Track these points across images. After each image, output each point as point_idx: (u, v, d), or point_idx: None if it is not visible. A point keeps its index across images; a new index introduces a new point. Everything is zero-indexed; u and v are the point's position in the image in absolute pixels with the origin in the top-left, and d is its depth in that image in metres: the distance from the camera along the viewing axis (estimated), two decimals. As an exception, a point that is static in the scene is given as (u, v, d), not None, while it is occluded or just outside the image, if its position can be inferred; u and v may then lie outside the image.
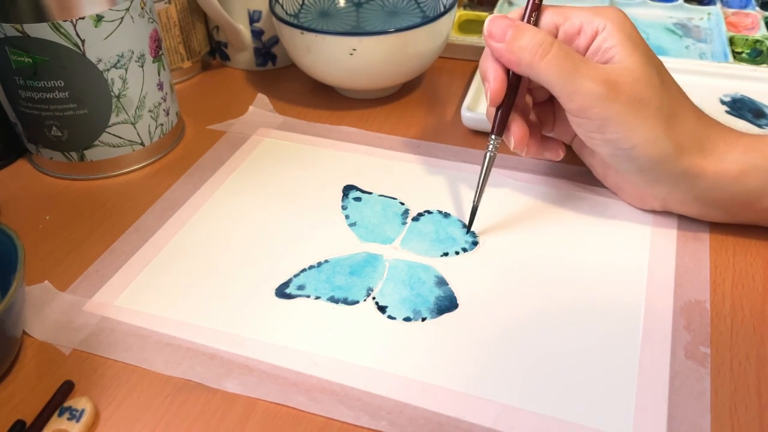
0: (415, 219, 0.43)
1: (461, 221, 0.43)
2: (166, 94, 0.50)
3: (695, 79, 0.54)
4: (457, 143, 0.50)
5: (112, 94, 0.46)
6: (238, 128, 0.53)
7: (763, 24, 0.62)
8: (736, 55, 0.58)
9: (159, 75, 0.49)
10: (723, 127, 0.39)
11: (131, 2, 0.45)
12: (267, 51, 0.61)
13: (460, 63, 0.61)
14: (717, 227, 0.41)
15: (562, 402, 0.32)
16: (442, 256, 0.40)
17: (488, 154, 0.41)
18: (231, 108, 0.56)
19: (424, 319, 0.36)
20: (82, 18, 0.43)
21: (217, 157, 0.50)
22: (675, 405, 0.31)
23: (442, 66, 0.61)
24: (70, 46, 0.43)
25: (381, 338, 0.35)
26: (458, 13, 0.66)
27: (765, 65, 0.56)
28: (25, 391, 0.34)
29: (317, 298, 0.38)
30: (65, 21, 0.42)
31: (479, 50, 0.60)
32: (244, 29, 0.60)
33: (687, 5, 0.67)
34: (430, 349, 0.35)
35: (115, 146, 0.48)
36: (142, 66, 0.47)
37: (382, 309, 0.37)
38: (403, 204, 0.45)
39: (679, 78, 0.39)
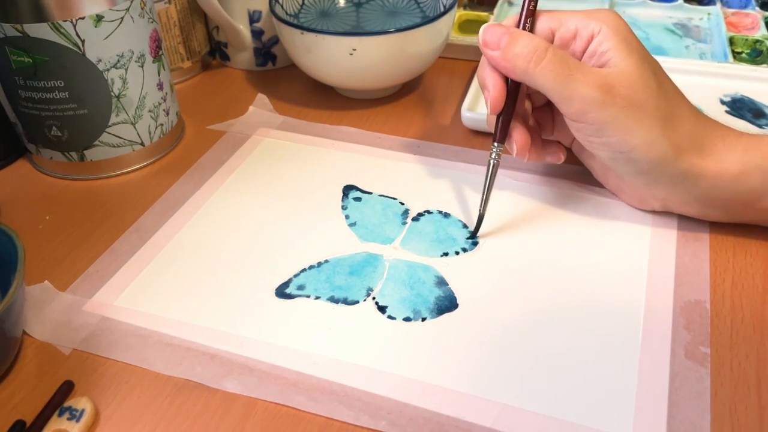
0: (415, 219, 0.43)
1: (461, 221, 0.43)
2: (166, 94, 0.50)
3: (695, 79, 0.54)
4: (457, 143, 0.50)
5: (112, 94, 0.46)
6: (238, 128, 0.53)
7: (763, 24, 0.62)
8: (736, 55, 0.58)
9: (159, 75, 0.49)
10: (722, 126, 0.39)
11: (131, 2, 0.45)
12: (267, 51, 0.61)
13: (460, 63, 0.61)
14: (717, 227, 0.41)
15: (562, 402, 0.32)
16: (442, 256, 0.40)
17: (491, 161, 0.41)
18: (231, 108, 0.56)
19: (424, 319, 0.36)
20: (82, 18, 0.43)
21: (217, 157, 0.50)
22: (675, 405, 0.31)
23: (442, 66, 0.61)
24: (70, 46, 0.43)
25: (381, 338, 0.35)
26: (458, 13, 0.66)
27: (765, 65, 0.56)
28: (25, 391, 0.34)
29: (317, 298, 0.38)
30: (65, 21, 0.42)
31: (479, 50, 0.60)
32: (244, 29, 0.60)
33: (687, 5, 0.67)
34: (430, 349, 0.35)
35: (115, 146, 0.48)
36: (142, 66, 0.47)
37: (382, 309, 0.37)
38: (403, 204, 0.45)
39: (679, 78, 0.39)
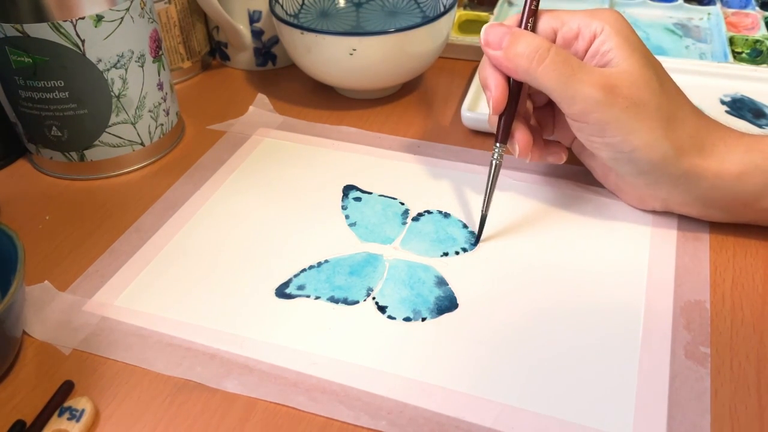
0: (415, 219, 0.43)
1: (461, 221, 0.43)
2: (166, 94, 0.50)
3: (695, 79, 0.54)
4: (457, 143, 0.50)
5: (112, 94, 0.46)
6: (238, 128, 0.53)
7: (763, 24, 0.62)
8: (736, 55, 0.58)
9: (159, 75, 0.49)
10: (723, 127, 0.38)
11: (131, 2, 0.45)
12: (267, 51, 0.61)
13: (460, 63, 0.61)
14: (717, 227, 0.41)
15: (562, 402, 0.32)
16: (442, 256, 0.40)
17: (494, 162, 0.40)
18: (231, 108, 0.56)
19: (424, 319, 0.36)
20: (82, 18, 0.43)
21: (217, 157, 0.50)
22: (675, 405, 0.31)
23: (442, 66, 0.61)
24: (70, 46, 0.43)
25: (381, 338, 0.35)
26: (458, 13, 0.66)
27: (765, 65, 0.56)
28: (25, 391, 0.34)
29: (317, 298, 0.38)
30: (65, 21, 0.42)
31: (479, 50, 0.60)
32: (244, 29, 0.60)
33: (687, 5, 0.67)
34: (430, 349, 0.35)
35: (115, 146, 0.48)
36: (142, 66, 0.47)
37: (382, 309, 0.37)
38: (403, 204, 0.45)
39: (679, 78, 0.39)
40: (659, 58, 0.39)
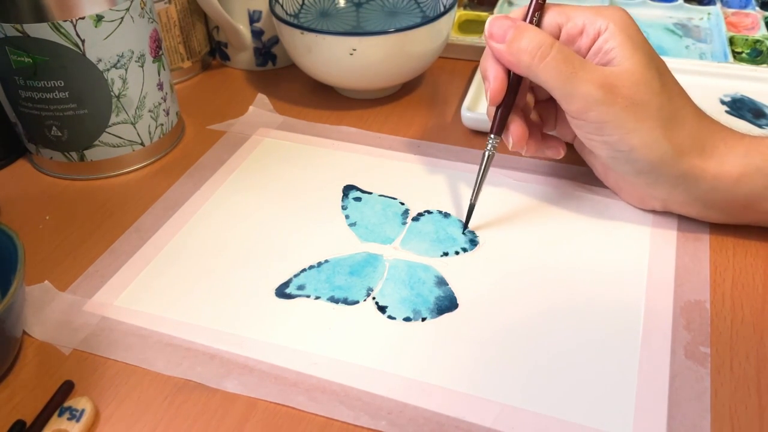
0: (415, 219, 0.43)
1: (461, 221, 0.43)
2: (166, 94, 0.50)
3: (695, 79, 0.54)
4: (457, 143, 0.50)
5: (112, 94, 0.46)
6: (238, 128, 0.53)
7: (763, 24, 0.62)
8: (736, 55, 0.58)
9: (159, 75, 0.49)
10: (724, 128, 0.38)
11: (131, 2, 0.45)
12: (267, 51, 0.61)
13: (460, 63, 0.61)
14: (717, 227, 0.41)
15: (562, 402, 0.32)
16: (442, 256, 0.40)
17: (487, 153, 0.41)
18: (231, 108, 0.56)
19: (424, 319, 0.36)
20: (82, 18, 0.43)
21: (217, 157, 0.50)
22: (675, 405, 0.31)
23: (442, 66, 0.61)
24: (70, 46, 0.43)
25: (381, 338, 0.35)
26: (458, 13, 0.66)
27: (765, 65, 0.56)
28: (25, 391, 0.34)
29: (317, 298, 0.38)
30: (65, 21, 0.42)
31: (479, 50, 0.60)
32: (244, 29, 0.60)
33: (687, 5, 0.67)
34: (430, 349, 0.35)
35: (115, 146, 0.48)
36: (142, 66, 0.47)
37: (382, 309, 0.37)
38: (403, 204, 0.45)
39: (679, 78, 0.39)
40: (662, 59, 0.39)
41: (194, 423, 0.32)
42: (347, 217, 0.44)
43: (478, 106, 0.52)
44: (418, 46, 0.51)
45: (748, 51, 0.59)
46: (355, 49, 0.49)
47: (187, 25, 0.60)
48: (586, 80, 0.36)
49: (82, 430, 0.31)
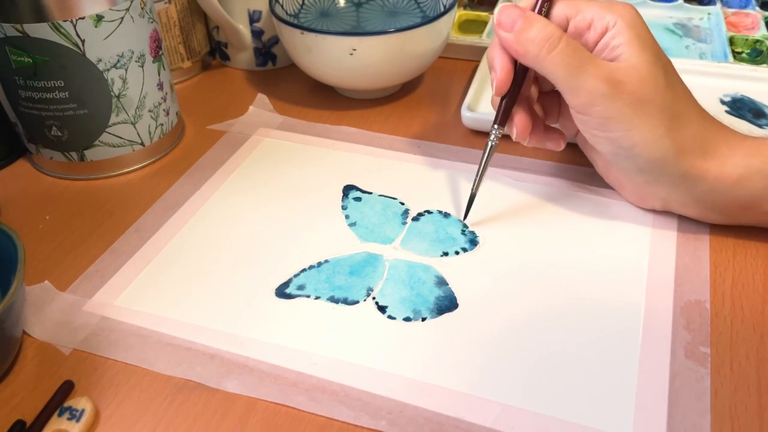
0: (415, 219, 0.43)
1: (461, 221, 0.43)
2: (166, 94, 0.50)
3: (695, 79, 0.53)
4: (457, 143, 0.50)
5: (112, 94, 0.46)
6: (238, 128, 0.53)
7: (763, 24, 0.62)
8: (736, 55, 0.58)
9: (159, 75, 0.49)
10: (726, 129, 0.38)
11: (131, 2, 0.45)
12: (267, 51, 0.61)
13: (460, 63, 0.61)
14: (717, 227, 0.41)
15: (562, 402, 0.32)
16: (442, 256, 0.40)
17: (490, 143, 0.41)
18: (231, 108, 0.56)
19: (424, 319, 0.36)
20: (82, 18, 0.43)
21: (217, 157, 0.50)
22: (675, 405, 0.31)
23: (442, 66, 0.61)
24: (70, 46, 0.43)
25: (381, 338, 0.35)
26: (458, 13, 0.66)
27: (765, 65, 0.56)
28: (25, 391, 0.34)
29: (317, 298, 0.38)
30: (65, 21, 0.42)
31: (479, 50, 0.60)
32: (244, 29, 0.60)
33: (687, 5, 0.67)
34: (430, 349, 0.35)
35: (115, 146, 0.48)
36: (142, 66, 0.47)
37: (382, 309, 0.37)
38: (403, 204, 0.45)
39: (679, 78, 0.39)
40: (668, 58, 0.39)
41: (194, 423, 0.32)
42: (347, 217, 0.44)
43: (478, 106, 0.52)
44: (418, 46, 0.51)
45: (748, 51, 0.59)
46: (355, 49, 0.49)
47: (187, 25, 0.60)
48: (592, 74, 0.36)
49: (82, 430, 0.31)
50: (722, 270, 0.38)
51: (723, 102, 0.53)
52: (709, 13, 0.66)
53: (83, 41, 0.43)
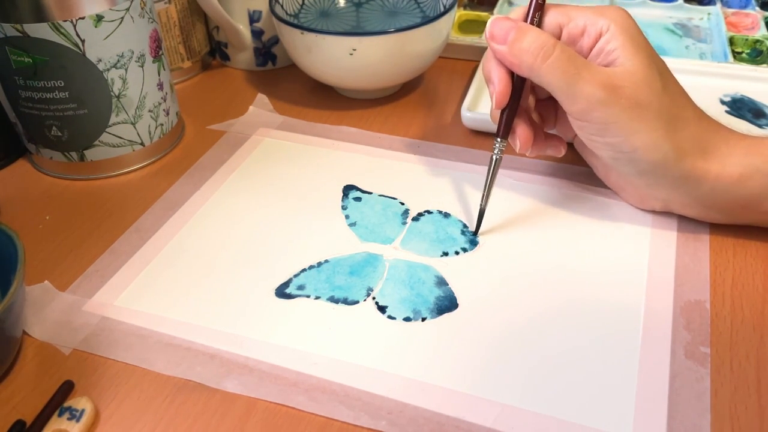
0: (415, 219, 0.43)
1: (461, 221, 0.43)
2: (166, 94, 0.50)
3: (695, 79, 0.54)
4: (457, 143, 0.50)
5: (112, 94, 0.46)
6: (238, 128, 0.53)
7: (763, 24, 0.62)
8: (736, 55, 0.58)
9: (159, 75, 0.49)
10: (725, 129, 0.38)
11: (131, 2, 0.45)
12: (267, 51, 0.61)
13: (460, 63, 0.61)
14: (717, 227, 0.41)
15: (562, 402, 0.32)
16: (442, 256, 0.40)
17: (494, 157, 0.40)
18: (231, 108, 0.56)
19: (424, 319, 0.36)
20: (82, 18, 0.43)
21: (217, 157, 0.50)
22: (675, 405, 0.31)
23: (442, 66, 0.61)
24: (70, 46, 0.43)
25: (381, 338, 0.35)
26: (458, 13, 0.66)
27: (765, 65, 0.56)
28: (25, 391, 0.34)
29: (317, 298, 0.38)
30: (65, 21, 0.42)
31: (479, 50, 0.60)
32: (244, 29, 0.60)
33: (687, 5, 0.67)
34: (430, 349, 0.35)
35: (115, 146, 0.48)
36: (142, 66, 0.47)
37: (382, 309, 0.37)
38: (403, 204, 0.45)
39: (679, 78, 0.39)
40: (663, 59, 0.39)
41: (194, 423, 0.32)
42: (347, 217, 0.44)
43: (478, 106, 0.52)
44: (418, 46, 0.51)
45: (748, 51, 0.59)
46: (355, 49, 0.49)
47: (187, 25, 0.60)
48: (589, 80, 0.36)
49: (82, 430, 0.31)
50: (722, 270, 0.38)
51: (723, 102, 0.53)
52: (709, 13, 0.66)
53: (83, 41, 0.43)
